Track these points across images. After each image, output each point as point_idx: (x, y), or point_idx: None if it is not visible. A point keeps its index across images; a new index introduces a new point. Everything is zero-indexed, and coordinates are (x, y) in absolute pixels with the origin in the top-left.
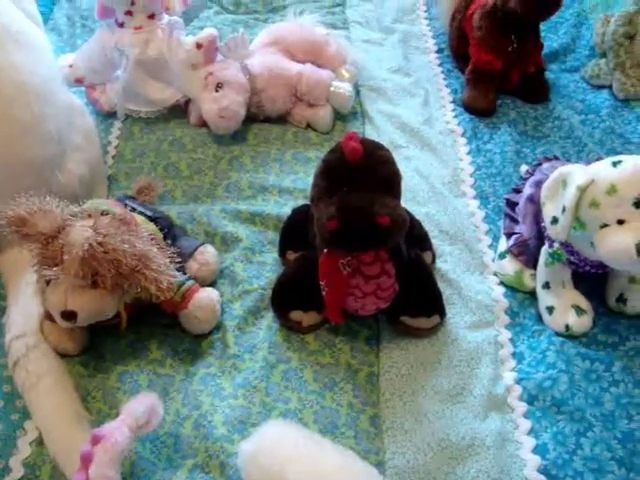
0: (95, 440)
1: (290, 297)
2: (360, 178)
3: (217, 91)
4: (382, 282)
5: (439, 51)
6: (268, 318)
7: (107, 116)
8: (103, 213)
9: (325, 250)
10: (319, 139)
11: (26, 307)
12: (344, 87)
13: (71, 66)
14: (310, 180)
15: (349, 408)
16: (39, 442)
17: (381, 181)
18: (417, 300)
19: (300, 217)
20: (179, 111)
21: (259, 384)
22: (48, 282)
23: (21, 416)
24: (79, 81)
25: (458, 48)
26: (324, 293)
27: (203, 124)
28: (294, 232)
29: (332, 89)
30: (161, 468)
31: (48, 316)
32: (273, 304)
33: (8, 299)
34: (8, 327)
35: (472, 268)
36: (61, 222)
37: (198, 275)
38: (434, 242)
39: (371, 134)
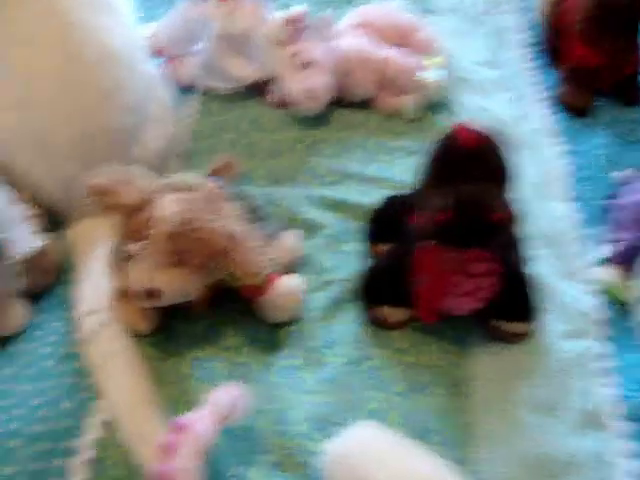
0: (178, 429)
1: (379, 291)
2: (473, 168)
3: (304, 70)
4: (484, 282)
5: (531, 45)
6: (351, 311)
7: (185, 90)
8: (192, 188)
9: (427, 243)
10: (404, 128)
11: (98, 282)
12: (432, 76)
13: (152, 36)
14: (395, 170)
15: (437, 413)
16: (108, 424)
17: (493, 172)
18: (515, 304)
19: (394, 207)
20: (257, 90)
21: (343, 380)
22: (128, 258)
23: (92, 395)
24: (159, 52)
25: (552, 43)
26: (419, 289)
27: (283, 105)
28: (386, 222)
29: (419, 77)
30: (235, 463)
31: (120, 293)
32: (360, 297)
33: (78, 272)
34: (79, 302)
35: (568, 274)
36: (147, 194)
37: (279, 261)
38: (526, 245)
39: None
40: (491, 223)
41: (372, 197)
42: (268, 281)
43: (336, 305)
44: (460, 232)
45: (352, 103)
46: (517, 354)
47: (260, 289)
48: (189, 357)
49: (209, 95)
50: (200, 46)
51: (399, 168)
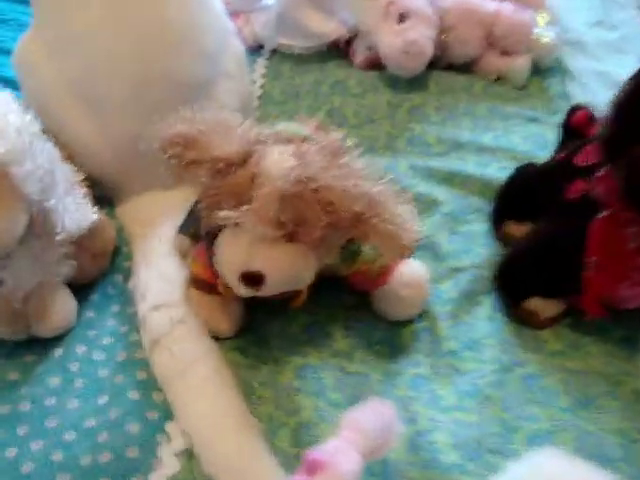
0: (314, 467)
1: (526, 280)
2: None
3: (401, 23)
4: None
5: None
6: (487, 305)
7: (250, 51)
8: (307, 139)
9: (606, 215)
10: (514, 94)
11: (164, 269)
12: (549, 34)
13: None
14: (514, 138)
15: (619, 435)
16: (189, 454)
17: None
18: None
19: (528, 179)
20: (339, 49)
21: (492, 393)
22: (216, 231)
23: (162, 414)
24: None
25: None
26: (589, 275)
27: (370, 66)
28: (519, 197)
29: (535, 36)
30: None
31: (195, 282)
32: (502, 288)
33: (135, 258)
34: (141, 294)
35: None
36: (247, 145)
37: None
38: None
39: (576, 93)
40: None
41: (493, 169)
42: (388, 268)
43: (468, 298)
44: None
45: (451, 65)
46: None
47: (377, 278)
48: (287, 365)
49: (279, 56)
50: (268, 1)
51: (518, 136)
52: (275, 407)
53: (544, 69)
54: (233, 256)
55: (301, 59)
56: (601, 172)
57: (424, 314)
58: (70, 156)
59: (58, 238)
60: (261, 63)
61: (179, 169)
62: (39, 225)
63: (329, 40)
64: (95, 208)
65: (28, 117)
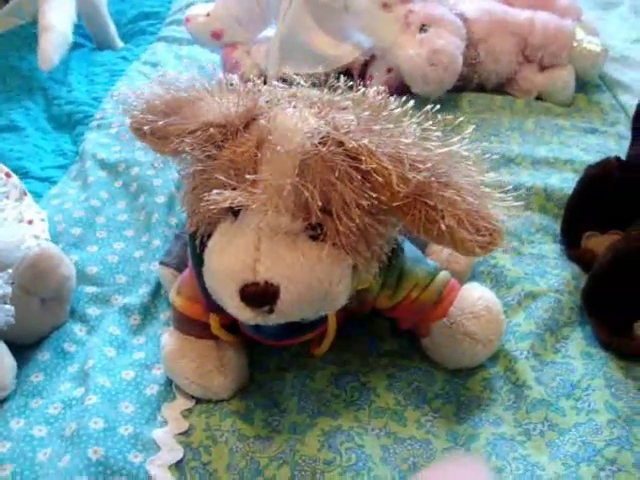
0: None
1: (626, 303)
2: None
3: (422, 32)
4: None
5: None
6: (578, 337)
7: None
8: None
9: None
10: (561, 109)
11: None
12: (595, 40)
13: (208, 15)
14: (573, 150)
15: None
16: None
17: None
18: None
19: (608, 177)
20: (352, 74)
21: (617, 456)
22: (202, 242)
23: None
24: (216, 35)
25: None
26: None
27: (391, 91)
28: (599, 202)
29: (578, 43)
30: None
31: (180, 323)
32: (595, 315)
33: None
34: None
35: None
36: (251, 105)
37: (447, 268)
38: None
39: (633, 104)
40: None
41: (556, 180)
42: (446, 294)
43: (551, 330)
44: None
45: (482, 87)
46: None
47: (433, 308)
48: (311, 432)
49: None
50: (267, 33)
51: (577, 148)
52: None
53: (587, 84)
54: (232, 261)
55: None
56: None
57: (496, 355)
58: None
59: None
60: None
61: (158, 144)
62: None
63: (340, 64)
64: (44, 236)
65: None
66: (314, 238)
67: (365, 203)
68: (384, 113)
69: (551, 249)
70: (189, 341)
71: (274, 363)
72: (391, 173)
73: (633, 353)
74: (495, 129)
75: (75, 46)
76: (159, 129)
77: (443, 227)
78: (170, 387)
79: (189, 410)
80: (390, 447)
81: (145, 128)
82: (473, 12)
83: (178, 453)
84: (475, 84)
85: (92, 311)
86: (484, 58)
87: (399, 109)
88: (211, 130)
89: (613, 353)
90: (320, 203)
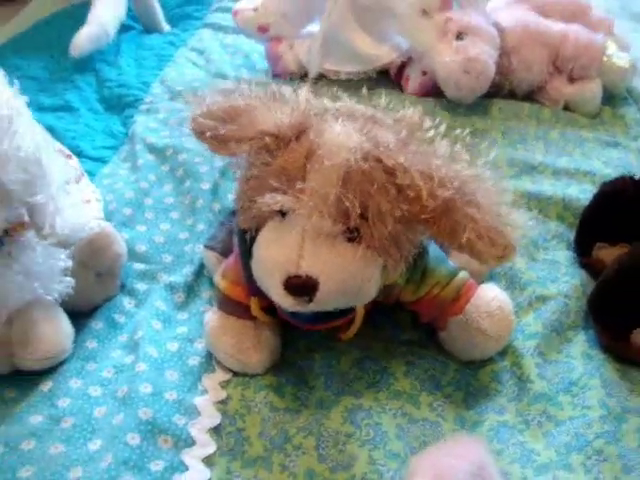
0: None
1: (628, 311)
2: None
3: (458, 40)
4: None
5: None
6: (581, 340)
7: (291, 79)
8: (375, 119)
9: None
10: (586, 121)
11: None
12: (624, 56)
13: (256, 9)
14: (594, 163)
15: None
16: None
17: None
18: None
19: (622, 194)
20: (387, 78)
21: (604, 447)
22: (251, 236)
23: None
24: (263, 29)
25: None
26: None
27: (425, 93)
28: (611, 215)
29: (607, 58)
30: None
31: (224, 304)
32: (598, 321)
33: None
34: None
35: None
36: (302, 117)
37: (466, 268)
38: None
39: None
40: None
41: (574, 190)
42: (464, 293)
43: (557, 331)
44: None
45: (513, 94)
46: None
47: (451, 304)
48: (335, 407)
49: (326, 82)
50: (312, 29)
51: (598, 161)
52: (318, 459)
53: (615, 97)
54: (278, 255)
55: (348, 86)
56: None
57: (505, 351)
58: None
59: (45, 242)
60: (305, 90)
61: (217, 146)
62: (25, 226)
63: (379, 64)
64: (100, 215)
65: (10, 91)
66: (351, 240)
67: (398, 213)
68: (418, 133)
69: (564, 256)
70: (230, 320)
71: (304, 345)
72: (422, 189)
73: (629, 357)
74: (521, 137)
75: (125, 28)
76: (220, 134)
77: (464, 239)
78: (210, 360)
79: (227, 382)
80: (404, 426)
81: (207, 133)
82: (508, 22)
83: (216, 419)
84: (506, 91)
85: (140, 286)
86: (517, 66)
87: (433, 131)
88: (266, 139)
89: (611, 356)
90: (359, 211)
